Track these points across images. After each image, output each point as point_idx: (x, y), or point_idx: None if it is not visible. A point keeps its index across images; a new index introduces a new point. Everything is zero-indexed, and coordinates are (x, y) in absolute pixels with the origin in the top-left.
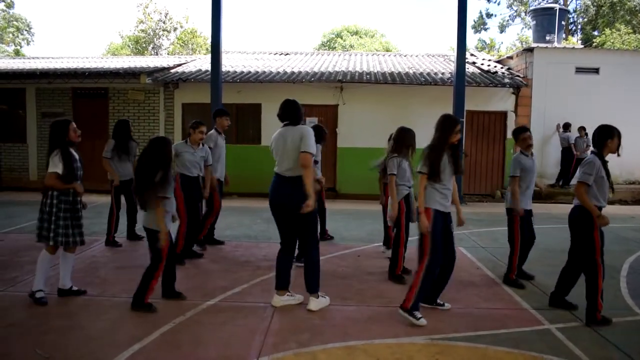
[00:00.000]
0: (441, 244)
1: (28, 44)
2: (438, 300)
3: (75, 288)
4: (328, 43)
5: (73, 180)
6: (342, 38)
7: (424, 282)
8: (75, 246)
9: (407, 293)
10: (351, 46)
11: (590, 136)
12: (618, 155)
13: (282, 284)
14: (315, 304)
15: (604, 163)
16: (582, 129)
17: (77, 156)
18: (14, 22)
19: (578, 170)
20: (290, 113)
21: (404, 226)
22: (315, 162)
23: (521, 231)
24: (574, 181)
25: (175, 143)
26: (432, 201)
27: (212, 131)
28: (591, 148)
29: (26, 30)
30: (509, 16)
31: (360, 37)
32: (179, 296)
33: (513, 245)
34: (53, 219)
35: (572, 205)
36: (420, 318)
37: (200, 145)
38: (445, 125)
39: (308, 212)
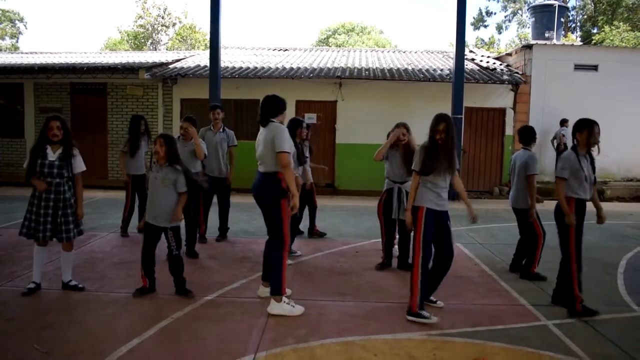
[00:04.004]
0: (431, 241)
1: (20, 34)
2: (431, 298)
3: (73, 283)
4: (325, 40)
5: (31, 176)
6: (338, 34)
7: (422, 281)
8: (44, 241)
9: (410, 298)
10: (347, 42)
11: None
12: (597, 151)
13: (267, 276)
14: (274, 307)
15: (578, 156)
16: None
17: (49, 153)
18: (8, 13)
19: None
20: (263, 111)
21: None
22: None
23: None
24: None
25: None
26: (423, 199)
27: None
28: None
29: (18, 20)
30: (506, 17)
31: (356, 34)
32: (187, 293)
33: (536, 239)
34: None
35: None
36: (429, 316)
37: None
38: (431, 123)
39: (275, 211)
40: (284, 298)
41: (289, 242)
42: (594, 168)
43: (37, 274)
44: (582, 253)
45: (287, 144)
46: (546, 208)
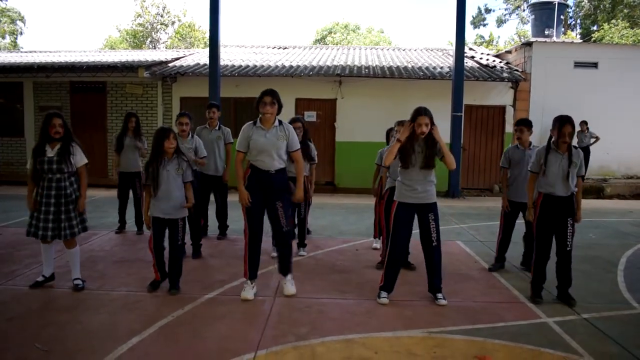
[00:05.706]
0: (404, 233)
1: (21, 34)
2: (438, 295)
3: (76, 282)
4: (322, 40)
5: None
6: (333, 32)
7: (386, 266)
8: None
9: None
10: (345, 40)
11: (591, 130)
12: (583, 146)
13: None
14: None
15: (548, 151)
16: (583, 123)
17: (48, 150)
18: (8, 13)
19: None
20: None
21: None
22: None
23: (506, 222)
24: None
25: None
26: (397, 193)
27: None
28: (591, 140)
29: (19, 19)
30: (505, 9)
31: (349, 32)
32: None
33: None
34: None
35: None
36: (383, 299)
37: (190, 136)
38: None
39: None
40: (246, 281)
41: (247, 233)
42: (569, 163)
43: (47, 267)
44: (549, 246)
45: (238, 142)
46: None
